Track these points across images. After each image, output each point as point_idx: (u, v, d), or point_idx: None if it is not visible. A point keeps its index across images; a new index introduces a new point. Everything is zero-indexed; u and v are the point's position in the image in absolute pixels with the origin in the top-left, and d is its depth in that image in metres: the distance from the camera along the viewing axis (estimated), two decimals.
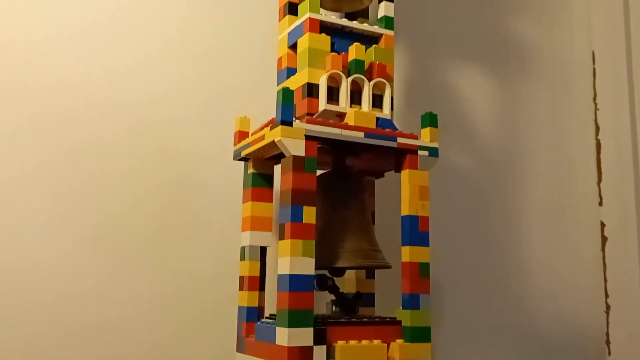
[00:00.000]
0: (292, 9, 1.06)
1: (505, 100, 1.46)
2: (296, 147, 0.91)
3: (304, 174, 0.91)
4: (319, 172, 1.07)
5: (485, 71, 1.43)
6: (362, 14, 1.14)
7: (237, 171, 1.13)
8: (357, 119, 0.97)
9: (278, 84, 1.06)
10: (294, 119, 0.92)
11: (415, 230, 0.98)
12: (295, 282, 0.88)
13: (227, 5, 1.21)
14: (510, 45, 1.46)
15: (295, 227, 0.90)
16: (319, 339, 0.88)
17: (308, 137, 0.90)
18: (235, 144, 1.07)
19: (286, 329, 0.86)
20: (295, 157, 0.90)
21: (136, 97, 1.11)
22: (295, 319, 0.87)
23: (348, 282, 1.14)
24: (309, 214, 0.90)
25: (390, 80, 1.03)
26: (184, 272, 1.10)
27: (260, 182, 1.04)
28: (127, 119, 1.10)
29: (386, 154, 1.02)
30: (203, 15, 1.18)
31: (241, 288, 1.03)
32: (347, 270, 1.09)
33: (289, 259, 0.89)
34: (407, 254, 0.98)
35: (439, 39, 1.40)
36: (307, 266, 0.90)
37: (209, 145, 1.15)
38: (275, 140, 0.90)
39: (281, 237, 0.91)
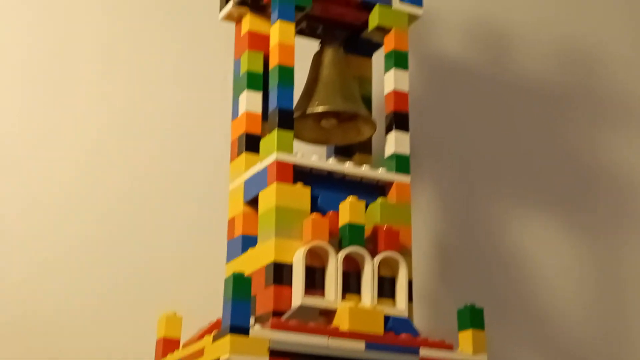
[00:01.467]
0: (251, 144, 1.06)
1: (595, 259, 1.48)
2: None
3: None
4: None
5: (564, 219, 1.48)
6: (361, 149, 1.15)
7: None
8: (354, 319, 0.94)
9: (227, 262, 1.05)
10: (251, 322, 0.90)
11: None
12: None
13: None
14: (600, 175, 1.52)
15: None
16: None
17: (274, 353, 0.88)
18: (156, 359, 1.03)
19: None
20: None
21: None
22: None
23: None
24: None
25: (406, 253, 1.01)
26: None
27: None
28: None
29: None
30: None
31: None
32: None
33: None
34: None
35: (489, 171, 1.45)
36: None
37: None
38: (222, 358, 0.87)
39: None
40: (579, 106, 1.57)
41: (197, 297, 1.15)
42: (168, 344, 1.03)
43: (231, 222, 1.06)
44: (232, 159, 1.08)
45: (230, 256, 1.04)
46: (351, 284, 0.98)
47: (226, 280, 0.89)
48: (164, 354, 1.02)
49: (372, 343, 0.93)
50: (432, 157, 1.43)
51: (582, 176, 1.53)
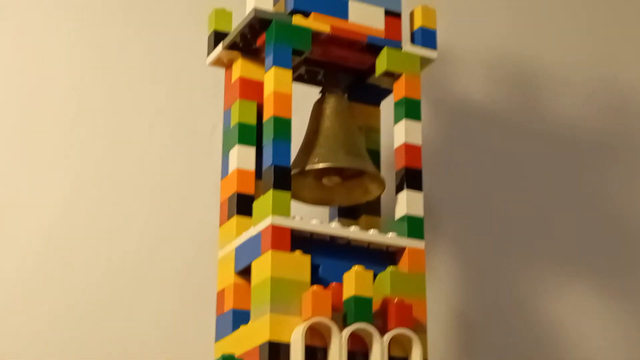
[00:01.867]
0: (243, 206, 1.06)
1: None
2: None
3: None
4: None
5: (605, 287, 1.49)
6: (368, 210, 1.16)
7: None
8: None
9: (216, 340, 1.04)
10: None
11: None
12: None
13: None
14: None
15: None
16: None
17: None
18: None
19: None
20: None
21: None
22: None
23: None
24: None
25: (421, 329, 1.01)
26: None
27: None
28: None
29: None
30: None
31: None
32: None
33: None
34: None
35: (518, 233, 1.46)
36: None
37: None
38: None
39: None
40: (619, 157, 1.57)
41: None
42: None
43: (220, 295, 1.05)
44: (221, 223, 1.08)
45: (220, 334, 1.04)
46: None
47: None
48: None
49: None
50: (451, 218, 1.43)
51: (624, 236, 1.53)
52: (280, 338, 0.95)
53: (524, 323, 1.42)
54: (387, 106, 1.17)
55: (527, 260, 1.46)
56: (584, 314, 1.46)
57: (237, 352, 0.98)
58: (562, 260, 1.48)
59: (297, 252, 0.99)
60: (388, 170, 1.22)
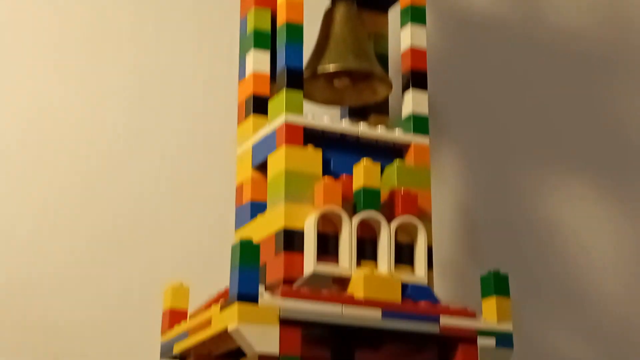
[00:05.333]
0: (259, 106, 1.08)
1: (638, 234, 1.49)
2: (265, 339, 0.89)
3: None
4: None
5: (603, 189, 1.49)
6: (376, 110, 1.16)
7: None
8: (369, 287, 0.95)
9: (236, 229, 1.06)
10: (260, 290, 0.91)
11: None
12: None
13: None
14: None
15: None
16: None
17: (285, 322, 0.90)
18: (162, 332, 1.05)
19: None
20: (263, 358, 0.87)
21: None
22: None
23: None
24: None
25: (425, 218, 1.03)
26: None
27: None
28: None
29: (424, 344, 1.00)
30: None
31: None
32: None
33: None
34: None
35: (520, 135, 1.47)
36: None
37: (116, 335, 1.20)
38: (229, 328, 0.89)
39: None
40: (621, 66, 1.57)
41: (205, 267, 1.16)
42: (175, 316, 1.05)
43: (239, 189, 1.07)
44: (239, 122, 1.10)
45: (239, 223, 1.06)
46: (366, 251, 1.00)
47: (233, 247, 0.91)
48: (171, 326, 1.04)
49: (389, 311, 0.95)
50: (457, 119, 1.44)
51: (624, 142, 1.54)
52: (295, 225, 0.98)
53: (524, 218, 1.45)
54: (394, 14, 1.17)
55: (529, 161, 1.46)
56: (581, 214, 1.48)
57: (256, 239, 1.00)
58: (563, 163, 1.49)
59: (310, 147, 1.00)
60: (395, 74, 1.22)
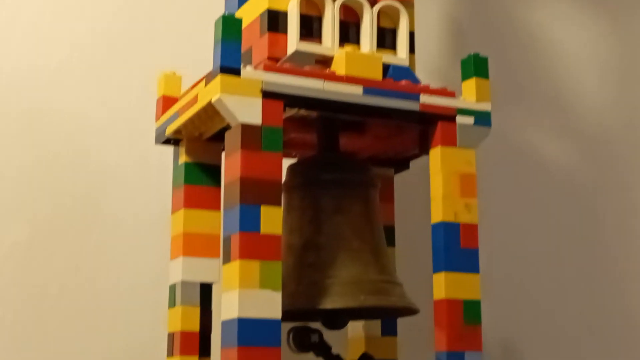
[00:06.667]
0: None
1: (619, 44, 1.47)
2: (247, 109, 0.90)
3: (260, 153, 0.90)
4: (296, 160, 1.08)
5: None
6: None
7: (163, 162, 1.14)
8: (350, 64, 0.96)
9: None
10: (244, 65, 0.92)
11: (453, 247, 0.96)
12: (248, 332, 0.86)
13: None
14: None
15: (246, 239, 0.88)
16: None
17: (268, 94, 0.91)
18: (157, 118, 1.08)
19: None
20: (245, 127, 0.89)
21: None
22: None
23: (354, 343, 1.11)
24: (271, 219, 0.89)
25: (408, 4, 1.03)
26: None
27: (199, 178, 1.04)
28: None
29: (405, 125, 1.02)
30: None
31: (170, 353, 1.01)
32: (352, 321, 1.07)
33: (238, 293, 0.87)
34: (442, 285, 0.96)
35: None
36: (270, 305, 0.88)
37: (116, 123, 1.23)
38: (213, 99, 0.90)
39: (226, 258, 0.89)
40: None
41: (196, 55, 1.15)
42: (168, 102, 1.06)
43: None
44: None
45: (229, 10, 1.07)
46: (350, 34, 1.00)
47: (216, 22, 0.92)
48: (164, 111, 1.06)
49: (370, 88, 0.96)
50: None
51: None
52: (279, 6, 0.98)
53: (509, 24, 1.45)
54: None
55: None
56: (566, 20, 1.48)
57: (243, 25, 0.99)
58: None
59: None
60: None
